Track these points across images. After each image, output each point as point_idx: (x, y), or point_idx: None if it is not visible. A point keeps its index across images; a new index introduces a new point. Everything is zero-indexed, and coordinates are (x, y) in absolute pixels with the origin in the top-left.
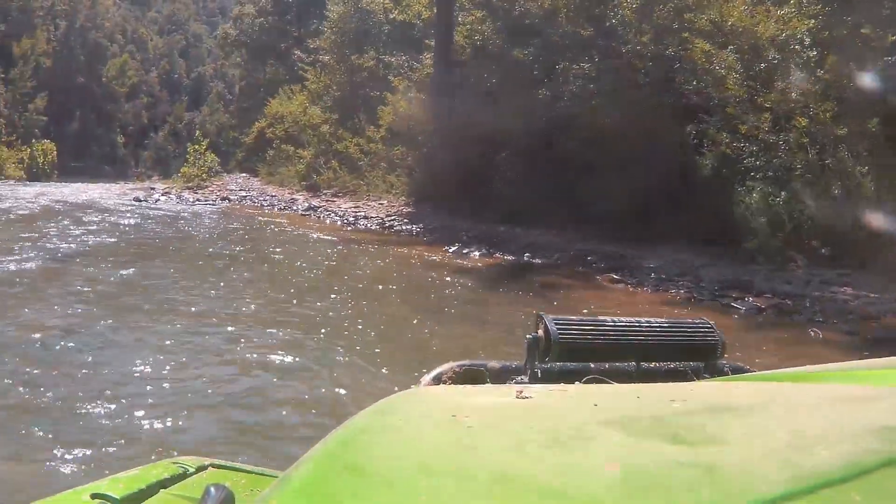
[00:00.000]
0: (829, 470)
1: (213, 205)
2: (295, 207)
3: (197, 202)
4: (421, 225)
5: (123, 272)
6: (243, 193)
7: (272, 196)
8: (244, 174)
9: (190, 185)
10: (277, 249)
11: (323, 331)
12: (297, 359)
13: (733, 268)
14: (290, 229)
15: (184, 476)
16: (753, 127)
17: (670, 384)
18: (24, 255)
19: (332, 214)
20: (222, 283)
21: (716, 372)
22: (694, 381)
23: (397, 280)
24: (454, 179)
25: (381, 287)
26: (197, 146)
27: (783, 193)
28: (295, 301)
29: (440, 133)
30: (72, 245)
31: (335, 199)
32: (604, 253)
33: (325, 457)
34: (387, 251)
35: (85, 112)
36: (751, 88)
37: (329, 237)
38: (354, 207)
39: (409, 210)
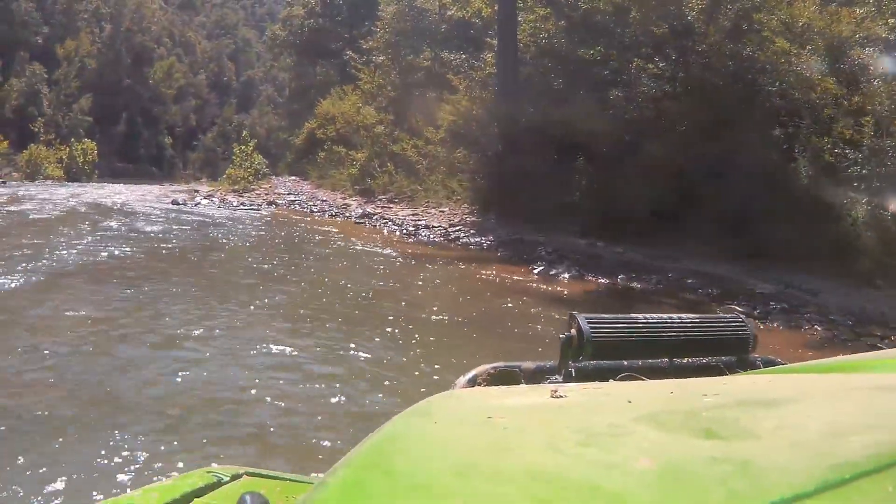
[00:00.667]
0: (863, 461)
1: (258, 210)
2: (347, 214)
3: (241, 206)
4: (490, 237)
5: (125, 292)
6: (291, 197)
7: (322, 200)
8: (294, 177)
9: (236, 187)
10: (323, 265)
11: (370, 387)
12: (325, 440)
13: (853, 293)
14: (341, 240)
15: (218, 485)
16: (856, 132)
17: (703, 379)
18: (12, 270)
19: (389, 223)
20: (249, 308)
21: (748, 366)
22: (726, 375)
23: (475, 309)
24: (523, 186)
25: (454, 319)
26: (243, 147)
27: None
28: (336, 338)
29: (506, 135)
30: (77, 257)
31: (391, 206)
32: (705, 275)
33: (361, 462)
34: (456, 269)
35: (131, 113)
36: (839, 91)
37: (386, 251)
38: (413, 215)
39: (474, 219)
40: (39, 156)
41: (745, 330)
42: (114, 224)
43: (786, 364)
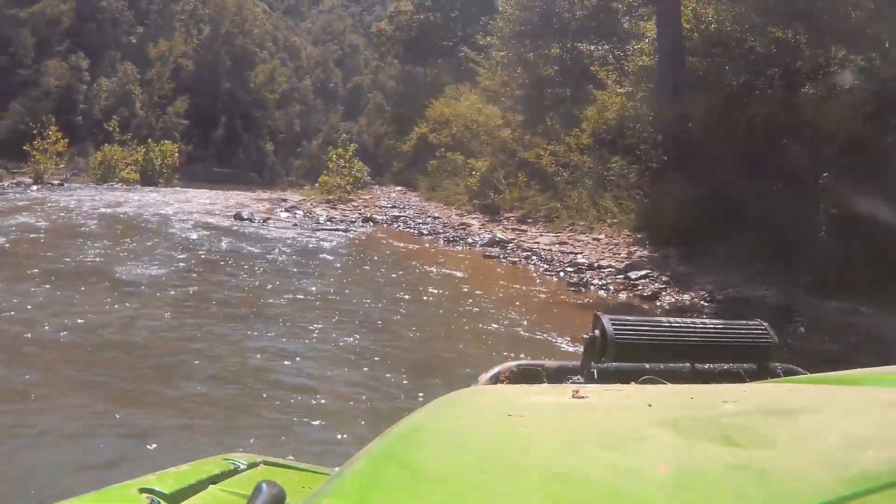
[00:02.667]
0: (880, 474)
1: (347, 230)
2: (470, 240)
3: (327, 224)
4: (697, 290)
5: None
6: (395, 212)
7: (434, 218)
8: (400, 187)
9: (329, 198)
10: (440, 356)
11: None
12: None
13: None
14: (468, 291)
15: (235, 472)
16: None
17: (723, 385)
18: None
19: (534, 258)
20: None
21: (768, 373)
22: (747, 382)
23: None
24: (716, 211)
25: None
26: (341, 151)
27: None
28: None
29: (677, 141)
30: None
31: (524, 228)
32: None
33: (379, 454)
34: None
35: (230, 117)
36: None
37: (549, 317)
38: (560, 244)
39: (647, 253)
40: (113, 157)
41: (766, 337)
42: (126, 249)
43: (806, 373)
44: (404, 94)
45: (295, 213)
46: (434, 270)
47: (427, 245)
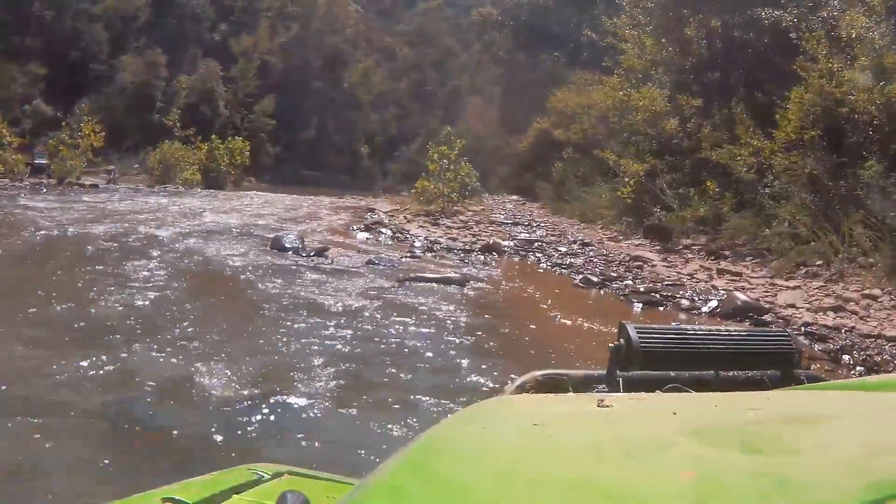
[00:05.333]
0: None
1: (463, 281)
2: (685, 300)
3: (426, 254)
4: None
5: None
6: (523, 234)
7: (582, 245)
8: (515, 196)
9: (430, 208)
10: None
11: None
12: None
13: None
14: None
15: (259, 482)
16: None
17: (746, 393)
18: None
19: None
20: None
21: (792, 381)
22: (771, 389)
23: None
24: None
25: None
26: (445, 149)
27: None
28: None
29: None
30: None
31: (727, 266)
32: None
33: (404, 464)
34: None
35: (322, 118)
36: None
37: None
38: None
39: None
40: (174, 156)
41: (790, 345)
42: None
43: (829, 381)
44: (514, 86)
45: (379, 234)
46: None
47: (606, 304)
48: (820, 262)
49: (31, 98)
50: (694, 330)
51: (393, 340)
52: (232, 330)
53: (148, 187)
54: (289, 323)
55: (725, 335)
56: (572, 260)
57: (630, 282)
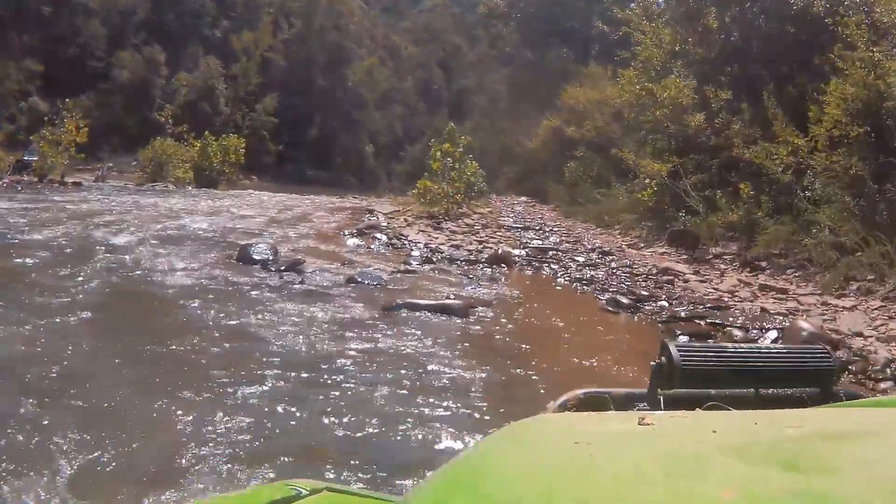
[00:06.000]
0: None
1: (466, 312)
2: (727, 320)
3: (427, 263)
4: None
5: None
6: (535, 240)
7: (602, 253)
8: (524, 197)
9: (433, 210)
10: None
11: None
12: None
13: None
14: None
15: (296, 498)
16: None
17: (786, 410)
18: None
19: None
20: None
21: (831, 398)
22: (810, 406)
23: None
24: None
25: None
26: (448, 147)
27: None
28: None
29: None
30: None
31: (773, 282)
32: None
33: (446, 482)
34: None
35: (326, 117)
36: None
37: None
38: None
39: None
40: (165, 153)
41: (829, 362)
42: None
43: (868, 397)
44: (522, 83)
45: (373, 240)
46: None
47: (643, 334)
48: (871, 277)
49: (28, 94)
50: (734, 348)
51: (356, 420)
52: (113, 397)
53: (137, 186)
54: (207, 384)
55: (765, 352)
56: (593, 273)
57: (665, 302)
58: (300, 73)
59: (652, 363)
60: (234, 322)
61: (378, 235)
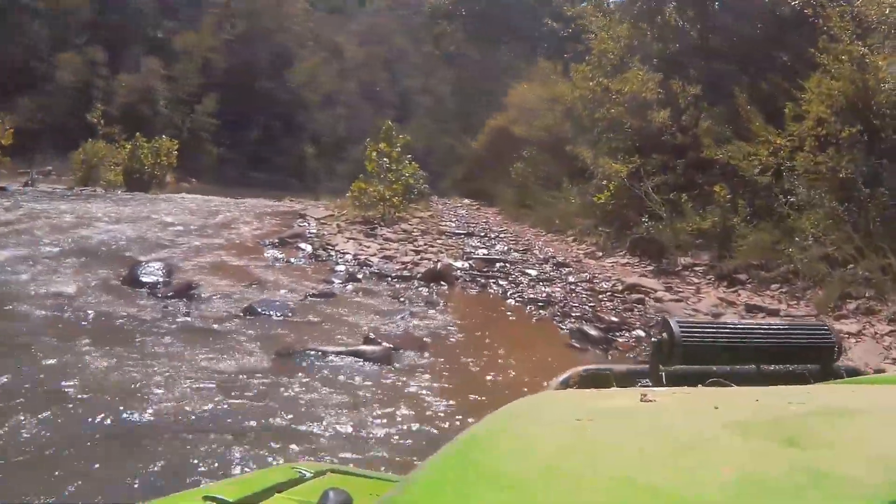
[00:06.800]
0: None
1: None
2: None
3: (350, 281)
4: None
5: None
6: (481, 251)
7: (557, 265)
8: (468, 200)
9: (369, 214)
10: None
11: None
12: None
13: None
14: None
15: (301, 481)
16: None
17: (788, 387)
18: None
19: None
20: None
21: (832, 375)
22: (811, 383)
23: None
24: None
25: None
26: (385, 146)
27: None
28: None
29: None
30: None
31: (769, 301)
32: None
33: (447, 461)
34: None
35: (268, 118)
36: None
37: None
38: None
39: None
40: (96, 155)
41: (830, 339)
42: None
43: (870, 374)
44: (468, 82)
45: (296, 250)
46: None
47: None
48: (870, 294)
49: None
50: (735, 324)
51: None
52: None
53: (67, 189)
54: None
55: (766, 329)
56: (548, 290)
57: (641, 331)
58: (242, 74)
59: (653, 339)
60: (75, 380)
61: (302, 245)
